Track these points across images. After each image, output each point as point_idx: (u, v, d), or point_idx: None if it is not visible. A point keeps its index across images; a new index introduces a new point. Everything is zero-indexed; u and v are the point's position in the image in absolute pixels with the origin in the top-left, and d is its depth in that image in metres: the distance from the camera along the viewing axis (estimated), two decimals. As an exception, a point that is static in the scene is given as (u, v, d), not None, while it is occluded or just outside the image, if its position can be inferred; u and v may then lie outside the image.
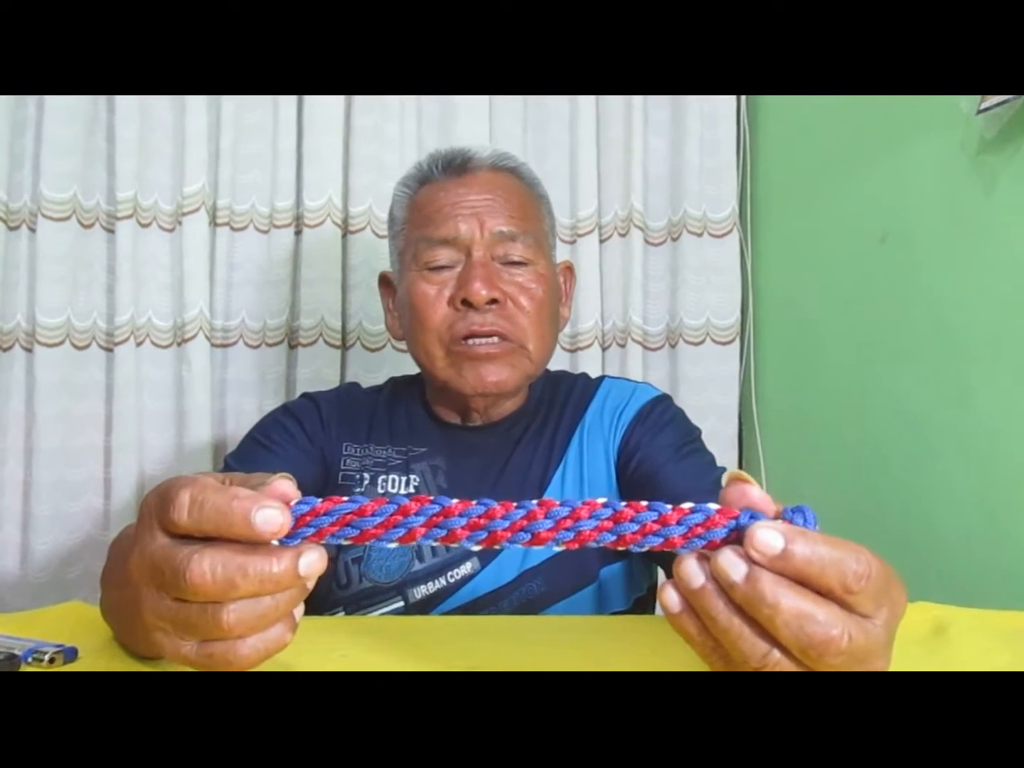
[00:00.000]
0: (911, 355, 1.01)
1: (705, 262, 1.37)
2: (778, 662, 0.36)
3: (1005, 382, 0.87)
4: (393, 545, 0.38)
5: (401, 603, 0.79)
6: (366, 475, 0.84)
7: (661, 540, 0.37)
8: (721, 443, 1.34)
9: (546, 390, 0.90)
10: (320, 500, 0.38)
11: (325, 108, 1.28)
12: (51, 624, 0.57)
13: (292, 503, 0.38)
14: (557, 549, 0.38)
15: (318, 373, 1.29)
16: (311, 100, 1.29)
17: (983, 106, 0.83)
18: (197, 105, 1.23)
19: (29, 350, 1.18)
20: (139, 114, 1.21)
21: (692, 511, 0.37)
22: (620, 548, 0.37)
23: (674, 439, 0.82)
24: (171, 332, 1.25)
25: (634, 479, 0.81)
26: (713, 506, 0.37)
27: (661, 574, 0.87)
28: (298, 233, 1.30)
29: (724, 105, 1.37)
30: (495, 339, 0.79)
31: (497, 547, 0.38)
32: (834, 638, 0.34)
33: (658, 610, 0.40)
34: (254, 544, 0.37)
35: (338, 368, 1.32)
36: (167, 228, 1.25)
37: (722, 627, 0.36)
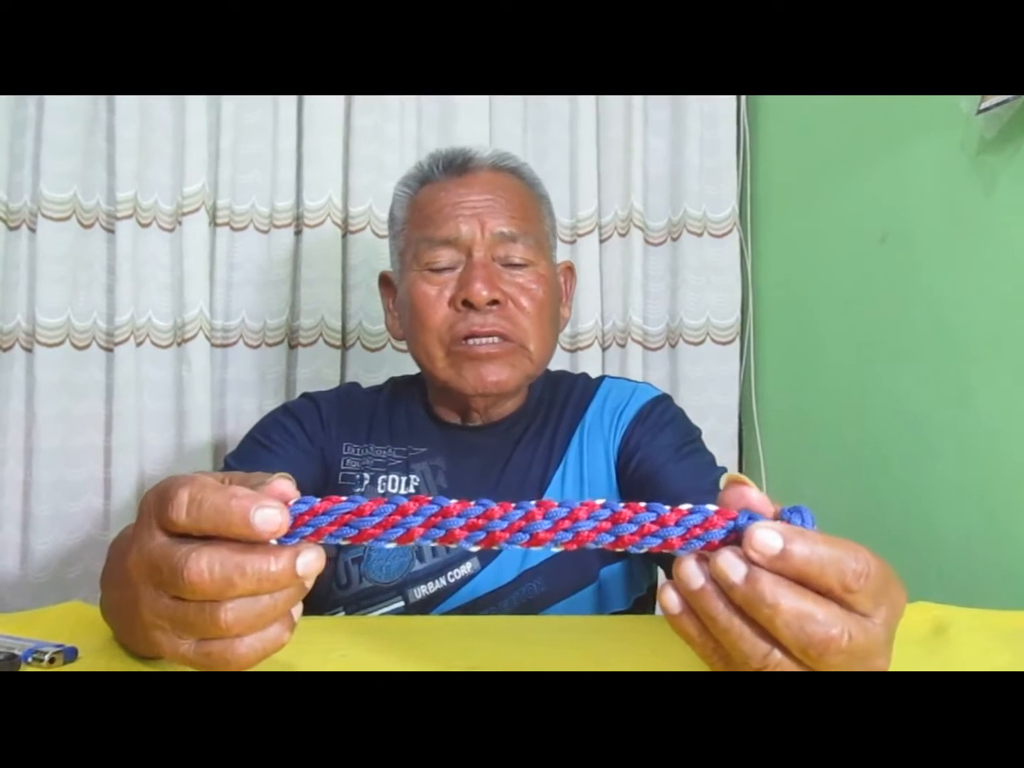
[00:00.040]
0: (911, 355, 1.01)
1: (705, 262, 1.37)
2: (779, 662, 0.36)
3: (1005, 382, 0.87)
4: (391, 545, 0.38)
5: (401, 603, 0.79)
6: (366, 475, 0.84)
7: (659, 541, 0.37)
8: (721, 443, 1.34)
9: (546, 390, 0.90)
10: (319, 500, 0.38)
11: (325, 108, 1.28)
12: (51, 624, 0.57)
13: (291, 502, 0.38)
14: (555, 550, 0.38)
15: (318, 373, 1.29)
16: (311, 100, 1.29)
17: (983, 106, 0.83)
18: (197, 105, 1.23)
19: (29, 350, 1.18)
20: (139, 114, 1.21)
21: (690, 512, 0.37)
22: (619, 549, 0.37)
23: (674, 439, 0.82)
24: (171, 332, 1.25)
25: (634, 479, 0.81)
26: (711, 507, 0.37)
27: (661, 574, 0.87)
28: (298, 233, 1.30)
29: (724, 105, 1.37)
30: (495, 339, 0.79)
31: (495, 548, 0.38)
32: (834, 637, 0.34)
33: (658, 610, 0.40)
34: (252, 543, 0.37)
35: (338, 368, 1.32)
36: (167, 228, 1.25)
37: (722, 628, 0.36)
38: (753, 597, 0.34)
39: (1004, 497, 0.86)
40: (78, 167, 1.19)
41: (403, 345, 0.94)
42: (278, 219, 1.28)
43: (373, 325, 1.31)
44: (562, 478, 0.83)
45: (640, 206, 1.36)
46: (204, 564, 0.36)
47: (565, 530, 0.37)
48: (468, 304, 0.78)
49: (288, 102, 1.28)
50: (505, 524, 0.37)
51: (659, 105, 1.38)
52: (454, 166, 0.83)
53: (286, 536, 0.37)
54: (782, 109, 1.33)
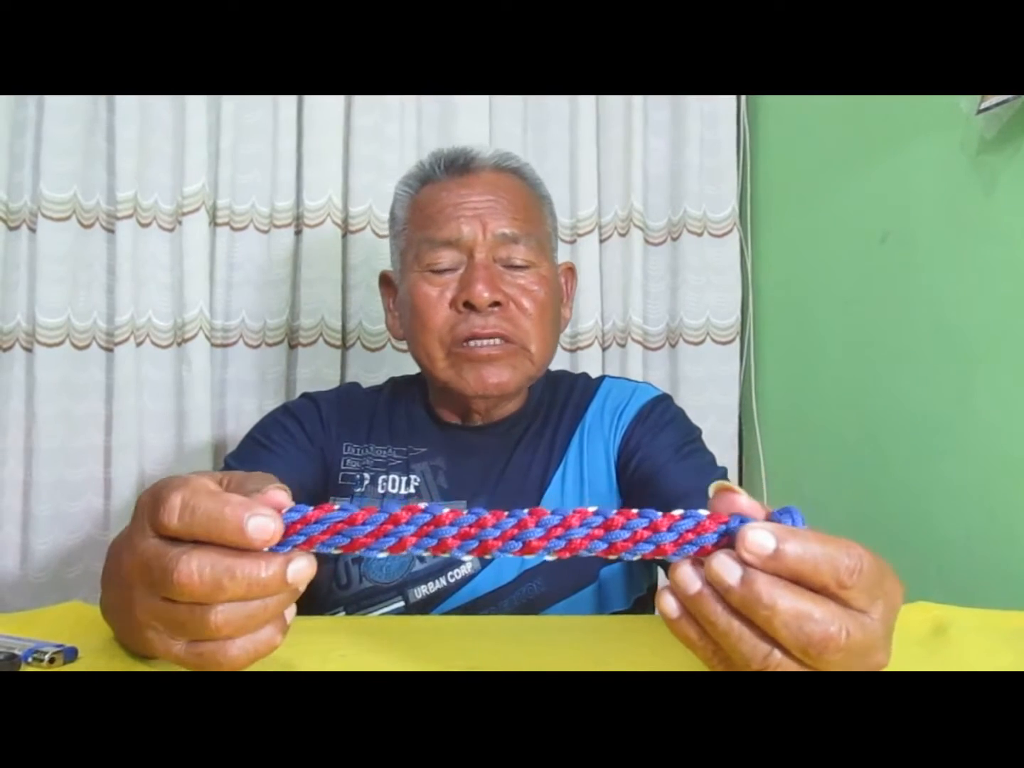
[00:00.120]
0: (911, 355, 1.01)
1: (705, 262, 1.37)
2: (779, 663, 0.36)
3: (1005, 382, 0.87)
4: (383, 554, 0.38)
5: (401, 603, 0.79)
6: (366, 475, 0.84)
7: (652, 547, 0.37)
8: (721, 443, 1.34)
9: (546, 390, 0.90)
10: (311, 508, 0.38)
11: (325, 108, 1.28)
12: (51, 624, 0.57)
13: (284, 511, 0.38)
14: (549, 558, 0.38)
15: (318, 373, 1.29)
16: (311, 100, 1.29)
17: (983, 106, 0.83)
18: (197, 105, 1.23)
19: (29, 350, 1.18)
20: (139, 114, 1.21)
21: (682, 517, 0.37)
22: (612, 556, 0.37)
23: (674, 439, 0.82)
24: (171, 332, 1.25)
25: (634, 479, 0.81)
26: (703, 512, 0.37)
27: (661, 574, 0.87)
28: (298, 233, 1.30)
29: (724, 105, 1.37)
30: (497, 341, 0.79)
31: (488, 556, 0.38)
32: (832, 635, 0.35)
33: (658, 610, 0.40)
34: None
35: (338, 368, 1.32)
36: (167, 228, 1.25)
37: (722, 631, 0.36)
38: (750, 599, 0.34)
39: (1004, 497, 0.86)
40: (78, 167, 1.19)
41: (403, 345, 0.94)
42: (278, 219, 1.28)
43: (373, 325, 1.31)
44: (562, 478, 0.83)
45: (640, 206, 1.36)
46: (195, 567, 0.36)
47: (558, 537, 0.37)
48: (469, 306, 0.78)
49: (288, 102, 1.27)
50: (498, 532, 0.37)
51: (659, 105, 1.38)
52: (456, 166, 0.83)
53: (278, 544, 0.37)
54: (782, 109, 1.33)
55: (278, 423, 0.86)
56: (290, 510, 0.38)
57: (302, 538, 0.38)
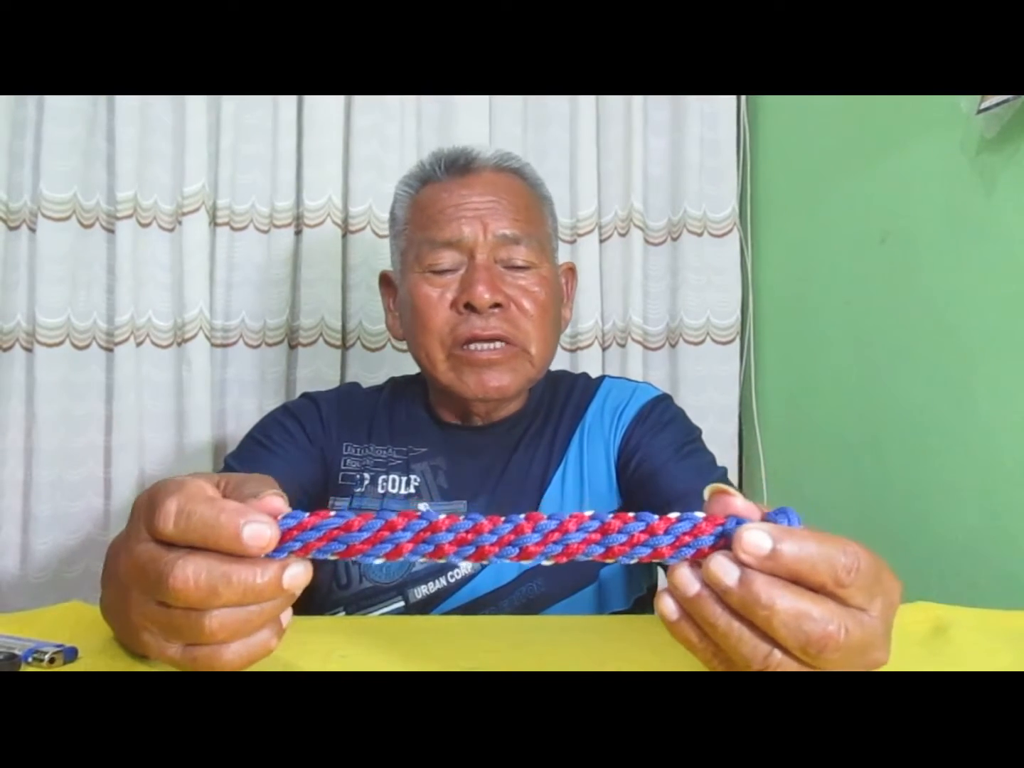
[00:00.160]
0: (911, 355, 1.01)
1: (705, 262, 1.37)
2: (780, 662, 0.36)
3: (1005, 382, 0.87)
4: (380, 561, 0.38)
5: (401, 603, 0.79)
6: (366, 475, 0.84)
7: (649, 551, 0.37)
8: (721, 443, 1.34)
9: (547, 390, 0.90)
10: (307, 514, 0.38)
11: (325, 108, 1.28)
12: (51, 624, 0.57)
13: (279, 517, 0.38)
14: (546, 563, 0.38)
15: (318, 373, 1.29)
16: (311, 100, 1.29)
17: (983, 106, 0.83)
18: (197, 105, 1.23)
19: (29, 350, 1.18)
20: (139, 114, 1.21)
21: (679, 520, 0.37)
22: (609, 560, 0.37)
23: (674, 439, 0.82)
24: (171, 332, 1.25)
25: (634, 479, 0.81)
26: (700, 514, 0.37)
27: (661, 574, 0.87)
28: (298, 233, 1.30)
29: (724, 105, 1.37)
30: (497, 344, 0.79)
31: (485, 562, 0.38)
32: (831, 634, 0.35)
33: (658, 610, 0.40)
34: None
35: (338, 368, 1.32)
36: (167, 228, 1.25)
37: (722, 632, 0.36)
38: (748, 599, 0.34)
39: (1004, 497, 0.86)
40: (78, 167, 1.19)
41: (403, 345, 0.94)
42: (278, 219, 1.28)
43: (373, 325, 1.31)
44: (562, 478, 0.83)
45: (640, 206, 1.36)
46: (190, 572, 0.36)
47: (555, 542, 0.37)
48: (470, 307, 0.78)
49: (288, 102, 1.27)
50: (494, 538, 0.37)
51: (659, 105, 1.38)
52: (456, 166, 0.83)
53: (274, 550, 0.37)
54: (782, 109, 1.33)
55: (278, 423, 0.86)
56: (286, 516, 0.38)
57: (298, 544, 0.38)
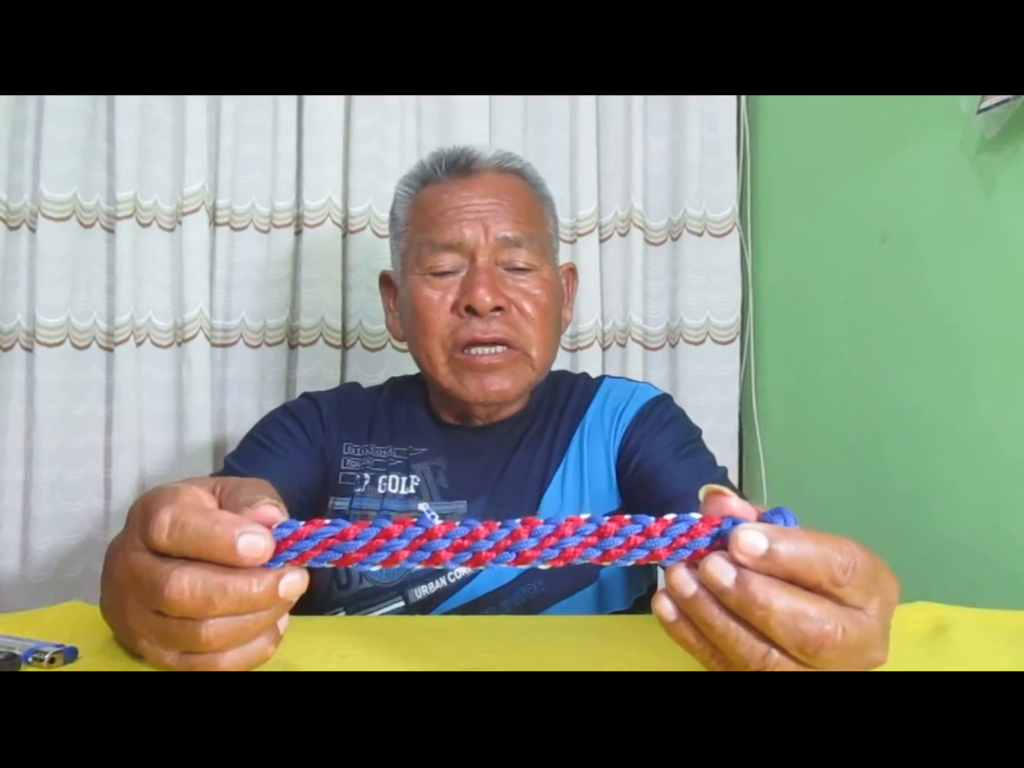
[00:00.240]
0: (911, 355, 1.01)
1: (705, 262, 1.37)
2: (778, 662, 0.36)
3: (1005, 382, 0.87)
4: (376, 568, 0.38)
5: (401, 603, 0.79)
6: (366, 475, 0.84)
7: (646, 553, 0.37)
8: (721, 443, 1.34)
9: (547, 390, 0.90)
10: (302, 524, 0.38)
11: (325, 108, 1.28)
12: (51, 624, 0.56)
13: (274, 527, 0.38)
14: (544, 567, 0.38)
15: (318, 373, 1.29)
16: (311, 100, 1.28)
17: (983, 106, 0.83)
18: (197, 105, 1.23)
19: (29, 350, 1.18)
20: (139, 114, 1.21)
21: (675, 522, 0.37)
22: (606, 563, 0.37)
23: (674, 439, 0.82)
24: (171, 332, 1.25)
25: (634, 479, 0.81)
26: (696, 516, 0.37)
27: (661, 574, 0.87)
28: (298, 233, 1.30)
29: (724, 105, 1.37)
30: (498, 348, 0.79)
31: (482, 567, 0.38)
32: (828, 633, 0.35)
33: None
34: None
35: (338, 368, 1.32)
36: (167, 228, 1.25)
37: (719, 632, 0.36)
38: (745, 600, 0.34)
39: (1004, 496, 0.86)
40: (78, 167, 1.19)
41: (403, 345, 0.94)
42: (278, 219, 1.28)
43: (373, 325, 1.31)
44: (562, 478, 0.83)
45: (640, 206, 1.36)
46: (185, 583, 0.36)
47: (551, 547, 0.37)
48: (471, 310, 0.78)
49: (288, 102, 1.27)
50: (491, 544, 0.37)
51: (659, 105, 1.38)
52: (457, 167, 0.82)
53: (270, 560, 0.37)
54: (782, 109, 1.33)
55: (278, 423, 0.86)
56: (281, 526, 0.38)
57: (294, 554, 0.38)
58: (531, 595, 0.78)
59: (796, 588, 0.35)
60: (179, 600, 0.36)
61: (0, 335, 1.18)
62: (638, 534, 0.37)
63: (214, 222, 1.27)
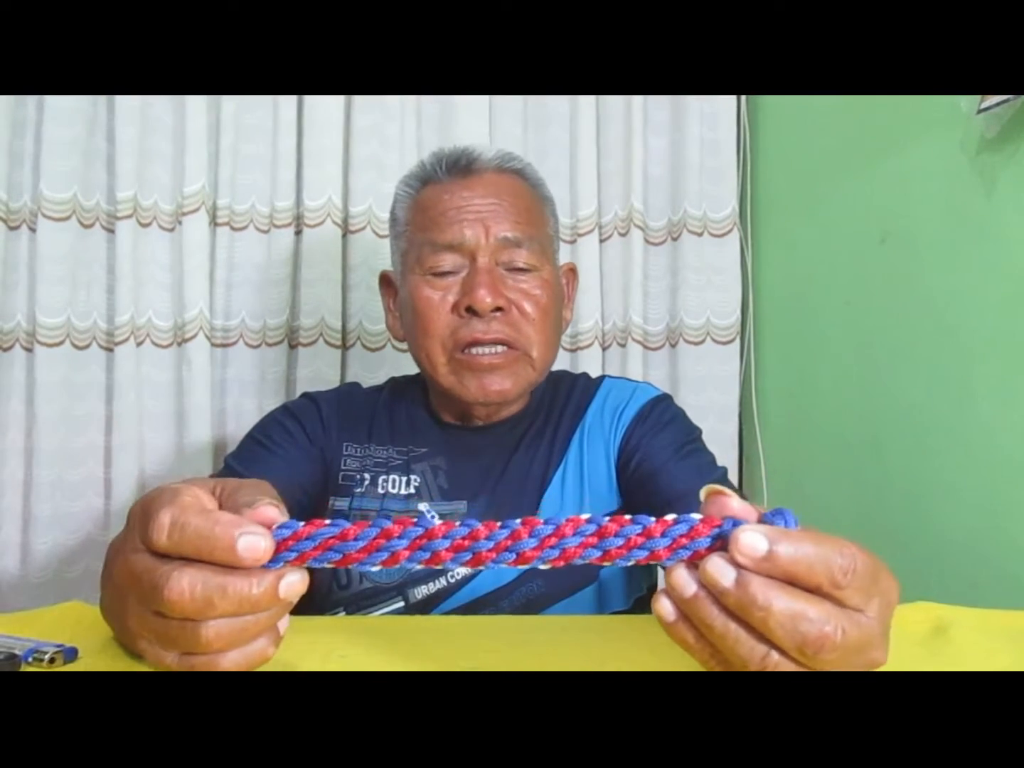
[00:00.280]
0: (911, 355, 1.01)
1: (705, 262, 1.37)
2: (777, 663, 0.36)
3: (1005, 382, 0.87)
4: (376, 568, 0.38)
5: (401, 603, 0.79)
6: (366, 475, 0.84)
7: (646, 553, 0.37)
8: (721, 443, 1.34)
9: (547, 391, 0.90)
10: (302, 524, 0.38)
11: (325, 108, 1.28)
12: (51, 624, 0.56)
13: (274, 527, 0.38)
14: (544, 568, 0.38)
15: (318, 373, 1.29)
16: (311, 100, 1.29)
17: (983, 106, 0.83)
18: (197, 106, 1.23)
19: (29, 350, 1.18)
20: (139, 114, 1.21)
21: (676, 522, 0.37)
22: (607, 563, 0.37)
23: (675, 439, 0.82)
24: (171, 332, 1.25)
25: (634, 479, 0.81)
26: (696, 516, 0.37)
27: (661, 575, 0.87)
28: (298, 233, 1.30)
29: (724, 105, 1.37)
30: (499, 348, 0.79)
31: (482, 567, 0.38)
32: (828, 634, 0.35)
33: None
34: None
35: (338, 368, 1.32)
36: (167, 228, 1.25)
37: (718, 633, 0.36)
38: (745, 601, 0.34)
39: (1004, 496, 0.86)
40: (78, 167, 1.19)
41: (403, 345, 0.94)
42: (278, 219, 1.28)
43: (373, 325, 1.31)
44: (562, 478, 0.83)
45: (640, 206, 1.36)
46: (185, 584, 0.36)
47: (552, 547, 0.37)
48: (471, 310, 0.78)
49: (288, 102, 1.27)
50: (491, 544, 0.37)
51: (659, 105, 1.38)
52: (458, 167, 0.82)
53: (270, 561, 0.37)
54: (782, 109, 1.33)
55: (278, 423, 0.86)
56: (281, 526, 0.38)
57: (294, 554, 0.37)
58: (531, 595, 0.78)
59: (796, 589, 0.35)
60: (179, 601, 0.36)
61: (0, 335, 1.18)
62: (638, 534, 0.37)
63: (214, 222, 1.27)
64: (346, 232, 1.31)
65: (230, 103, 1.27)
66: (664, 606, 0.37)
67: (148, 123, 1.22)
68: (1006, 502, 0.86)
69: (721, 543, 0.36)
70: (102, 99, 1.22)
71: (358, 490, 0.84)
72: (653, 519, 0.37)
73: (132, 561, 0.39)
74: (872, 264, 1.09)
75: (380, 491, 0.83)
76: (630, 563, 0.37)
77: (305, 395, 0.92)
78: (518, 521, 0.38)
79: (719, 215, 1.37)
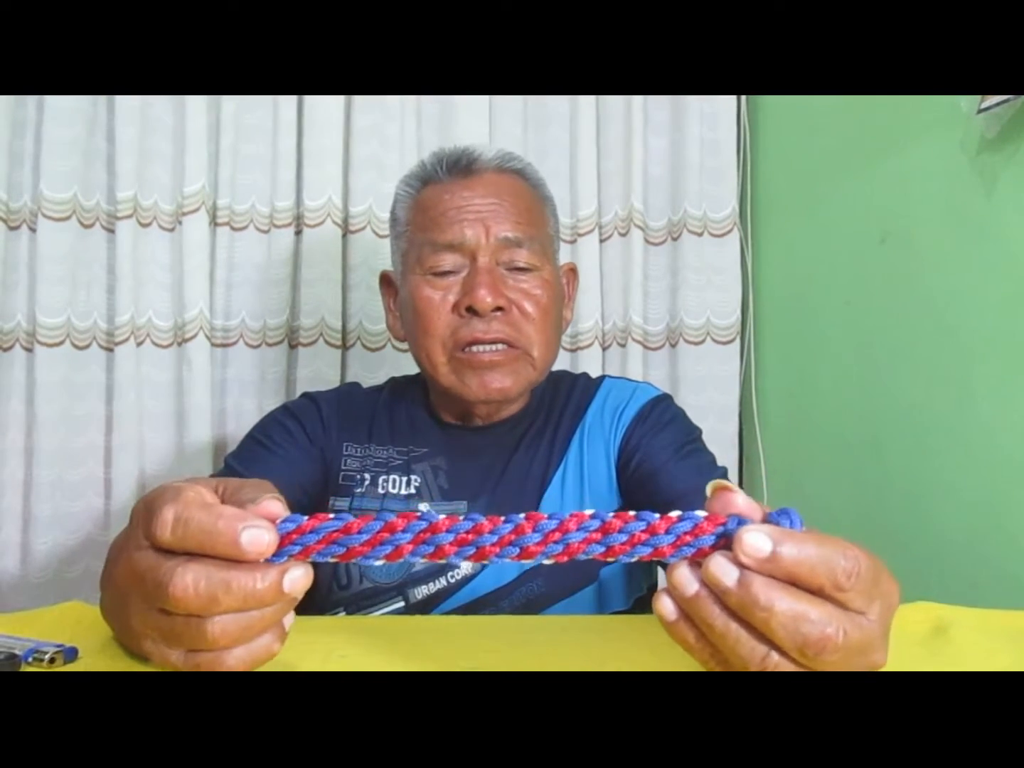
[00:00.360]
0: (911, 355, 1.01)
1: (705, 262, 1.37)
2: (777, 663, 0.36)
3: (1005, 382, 0.87)
4: (380, 563, 0.38)
5: (402, 603, 0.79)
6: (367, 475, 0.84)
7: (650, 550, 0.37)
8: (721, 443, 1.34)
9: (547, 391, 0.90)
10: (306, 518, 0.38)
11: (325, 108, 1.28)
12: (51, 624, 0.56)
13: (278, 521, 0.38)
14: (547, 563, 0.38)
15: (318, 373, 1.29)
16: (311, 100, 1.29)
17: (983, 106, 0.83)
18: (197, 106, 1.23)
19: (29, 350, 1.18)
20: (139, 114, 1.21)
21: (680, 519, 0.37)
22: (610, 559, 0.37)
23: (675, 439, 0.82)
24: (171, 332, 1.25)
25: (634, 479, 0.81)
26: (701, 513, 0.37)
27: (661, 574, 0.87)
28: (298, 233, 1.30)
29: (724, 105, 1.37)
30: (499, 345, 0.79)
31: (486, 562, 0.38)
32: (830, 636, 0.35)
33: (658, 610, 0.40)
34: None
35: (338, 368, 1.32)
36: (167, 228, 1.25)
37: (719, 633, 0.36)
38: (747, 601, 0.34)
39: (1004, 496, 0.86)
40: (78, 167, 1.19)
41: (403, 345, 0.94)
42: (278, 219, 1.28)
43: (373, 325, 1.31)
44: (562, 478, 0.83)
45: (640, 206, 1.36)
46: (189, 580, 0.36)
47: (555, 542, 0.37)
48: (472, 310, 0.78)
49: (288, 102, 1.27)
50: (495, 538, 0.37)
51: (659, 105, 1.38)
52: (459, 167, 0.82)
53: (273, 555, 0.37)
54: (782, 109, 1.33)
55: (278, 423, 0.86)
56: (284, 520, 0.38)
57: (297, 548, 0.37)
58: (531, 595, 0.78)
59: (798, 591, 0.35)
60: (184, 597, 0.36)
61: (0, 335, 1.18)
62: (642, 531, 0.37)
63: (214, 222, 1.27)
64: (346, 232, 1.31)
65: (230, 103, 1.27)
66: (665, 605, 0.37)
67: (148, 123, 1.22)
68: (1006, 502, 0.86)
69: (725, 541, 0.36)
70: (102, 99, 1.22)
71: (358, 490, 0.84)
72: (657, 515, 0.37)
73: (136, 559, 0.39)
74: (872, 264, 1.09)
75: (380, 491, 0.83)
76: (633, 559, 0.37)
77: (305, 395, 0.92)
78: (522, 516, 0.38)
79: (719, 215, 1.37)
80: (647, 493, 0.78)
